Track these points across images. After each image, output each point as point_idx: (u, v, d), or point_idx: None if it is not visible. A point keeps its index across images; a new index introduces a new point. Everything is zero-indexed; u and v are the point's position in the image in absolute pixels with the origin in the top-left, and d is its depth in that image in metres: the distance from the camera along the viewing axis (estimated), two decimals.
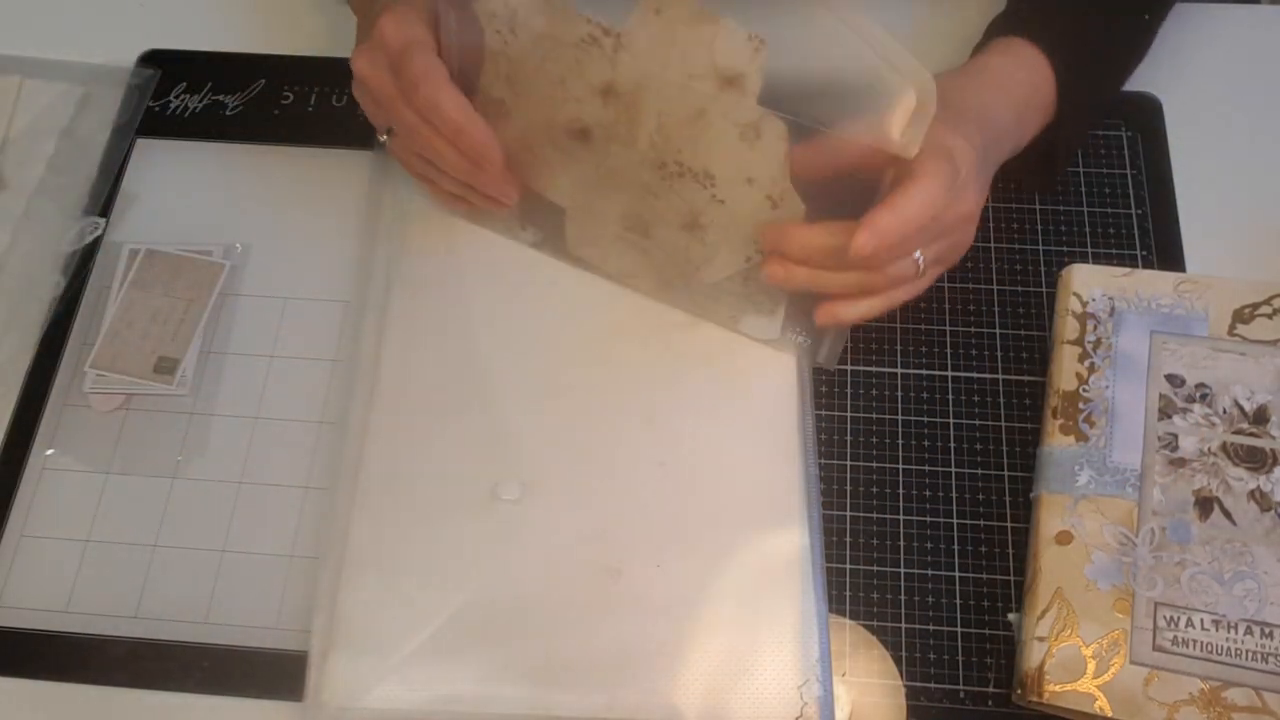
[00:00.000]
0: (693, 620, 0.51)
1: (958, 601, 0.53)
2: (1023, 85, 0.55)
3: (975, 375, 0.58)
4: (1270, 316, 0.54)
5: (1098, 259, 0.60)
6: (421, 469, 0.55)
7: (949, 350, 0.58)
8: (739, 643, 0.50)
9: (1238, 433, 0.52)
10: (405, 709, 0.49)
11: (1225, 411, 0.53)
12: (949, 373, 0.58)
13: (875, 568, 0.53)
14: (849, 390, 0.57)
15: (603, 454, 0.55)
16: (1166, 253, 0.60)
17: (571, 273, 0.59)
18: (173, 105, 0.67)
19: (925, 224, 0.47)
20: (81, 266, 0.62)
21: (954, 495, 0.55)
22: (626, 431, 0.55)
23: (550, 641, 0.50)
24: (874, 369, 0.58)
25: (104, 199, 0.64)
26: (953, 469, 0.56)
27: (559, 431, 0.55)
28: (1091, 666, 0.48)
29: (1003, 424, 0.56)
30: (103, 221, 0.62)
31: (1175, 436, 0.52)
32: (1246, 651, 0.48)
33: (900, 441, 0.56)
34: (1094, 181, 0.62)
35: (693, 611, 0.51)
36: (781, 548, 0.52)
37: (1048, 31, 0.56)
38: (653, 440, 0.55)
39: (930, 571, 0.53)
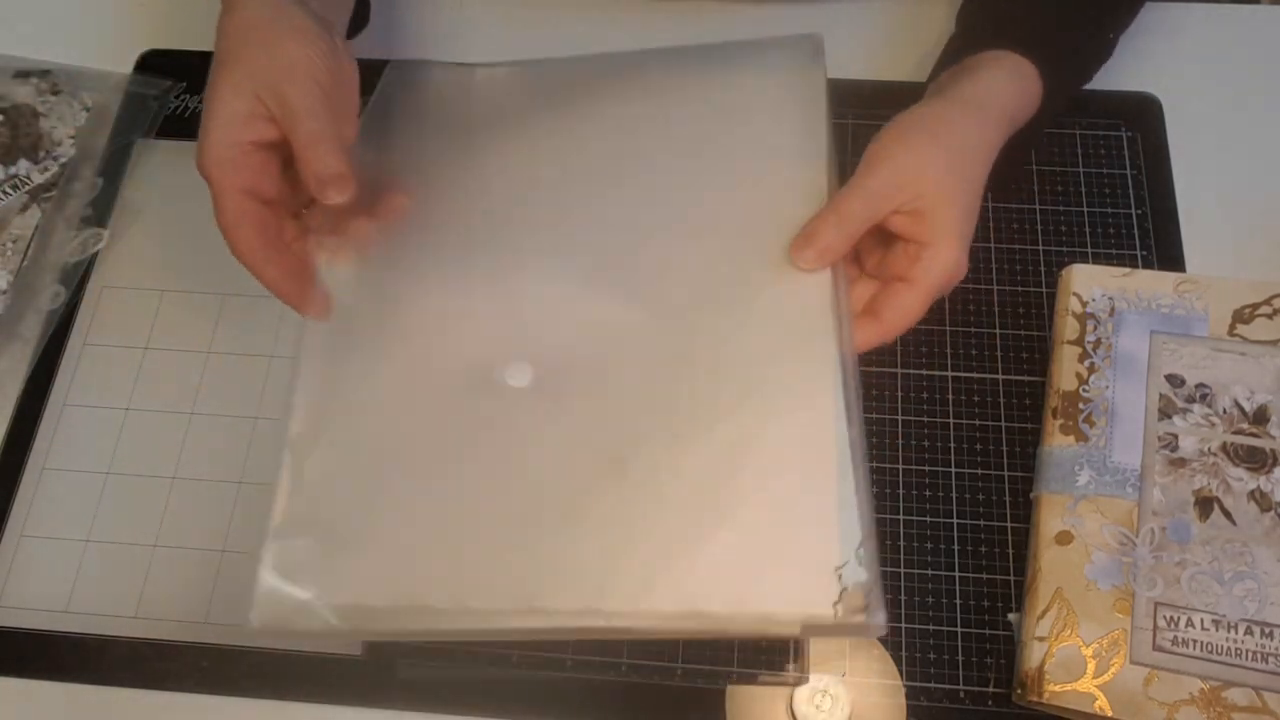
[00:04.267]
0: (714, 509, 0.46)
1: (958, 601, 0.53)
2: (1016, 105, 0.54)
3: (975, 375, 0.58)
4: (1270, 316, 0.54)
5: (1098, 259, 0.60)
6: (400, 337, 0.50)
7: (949, 350, 0.58)
8: (766, 530, 0.45)
9: (1238, 433, 0.52)
10: (371, 611, 0.44)
11: (1225, 411, 0.53)
12: (949, 373, 0.58)
13: None
14: None
15: (617, 335, 0.50)
16: (1166, 253, 0.60)
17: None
18: (173, 105, 0.67)
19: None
20: (83, 275, 0.62)
21: (954, 495, 0.55)
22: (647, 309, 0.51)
23: (549, 541, 0.45)
24: (874, 369, 0.58)
25: (106, 206, 0.63)
26: (953, 469, 0.56)
27: (572, 302, 0.51)
28: (1091, 666, 0.48)
29: (1003, 424, 0.56)
30: (106, 233, 0.62)
31: (1175, 436, 0.52)
32: (1246, 651, 0.48)
33: (900, 441, 0.56)
34: (1094, 181, 0.62)
35: (714, 500, 0.46)
36: (813, 433, 0.47)
37: (1041, 46, 0.55)
38: (673, 327, 0.50)
39: (930, 571, 0.53)
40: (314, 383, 0.49)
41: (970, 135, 0.52)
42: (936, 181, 0.49)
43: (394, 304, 0.51)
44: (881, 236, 0.51)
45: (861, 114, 0.64)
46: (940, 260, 0.49)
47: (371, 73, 0.66)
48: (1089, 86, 0.62)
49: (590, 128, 0.57)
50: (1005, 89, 0.54)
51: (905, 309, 0.49)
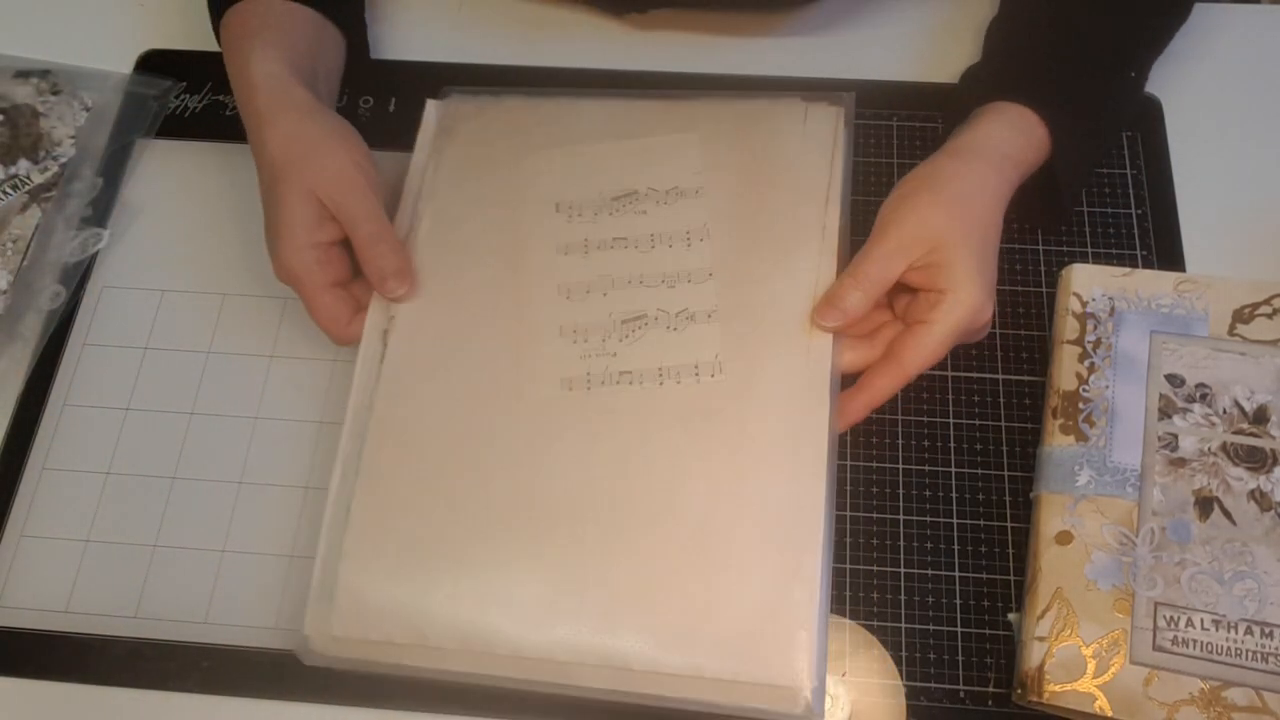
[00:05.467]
0: (701, 575, 0.49)
1: (958, 601, 0.53)
2: (1016, 150, 0.55)
3: (975, 375, 0.58)
4: (1270, 316, 0.54)
5: (1098, 259, 0.60)
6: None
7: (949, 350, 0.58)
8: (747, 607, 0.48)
9: (1238, 433, 0.52)
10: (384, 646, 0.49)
11: (1225, 411, 0.53)
12: (949, 373, 0.58)
13: (875, 568, 0.53)
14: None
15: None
16: (1166, 253, 0.60)
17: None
18: (172, 105, 0.67)
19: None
20: (83, 275, 0.62)
21: (954, 495, 0.55)
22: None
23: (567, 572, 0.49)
24: None
25: (106, 206, 0.63)
26: (953, 469, 0.56)
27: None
28: (1091, 666, 0.48)
29: (1003, 424, 0.56)
30: (106, 233, 0.62)
31: (1175, 436, 0.52)
32: (1246, 651, 0.48)
33: (900, 442, 0.56)
34: (1094, 181, 0.62)
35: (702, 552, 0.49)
36: (800, 514, 0.50)
37: (1043, 96, 0.56)
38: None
39: (930, 571, 0.53)
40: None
41: (969, 182, 0.53)
42: (944, 233, 0.51)
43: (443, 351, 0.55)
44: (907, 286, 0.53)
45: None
46: (961, 303, 0.50)
47: (372, 73, 0.66)
48: None
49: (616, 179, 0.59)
50: (1004, 135, 0.55)
51: (923, 348, 0.51)
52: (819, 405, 0.51)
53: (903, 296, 0.54)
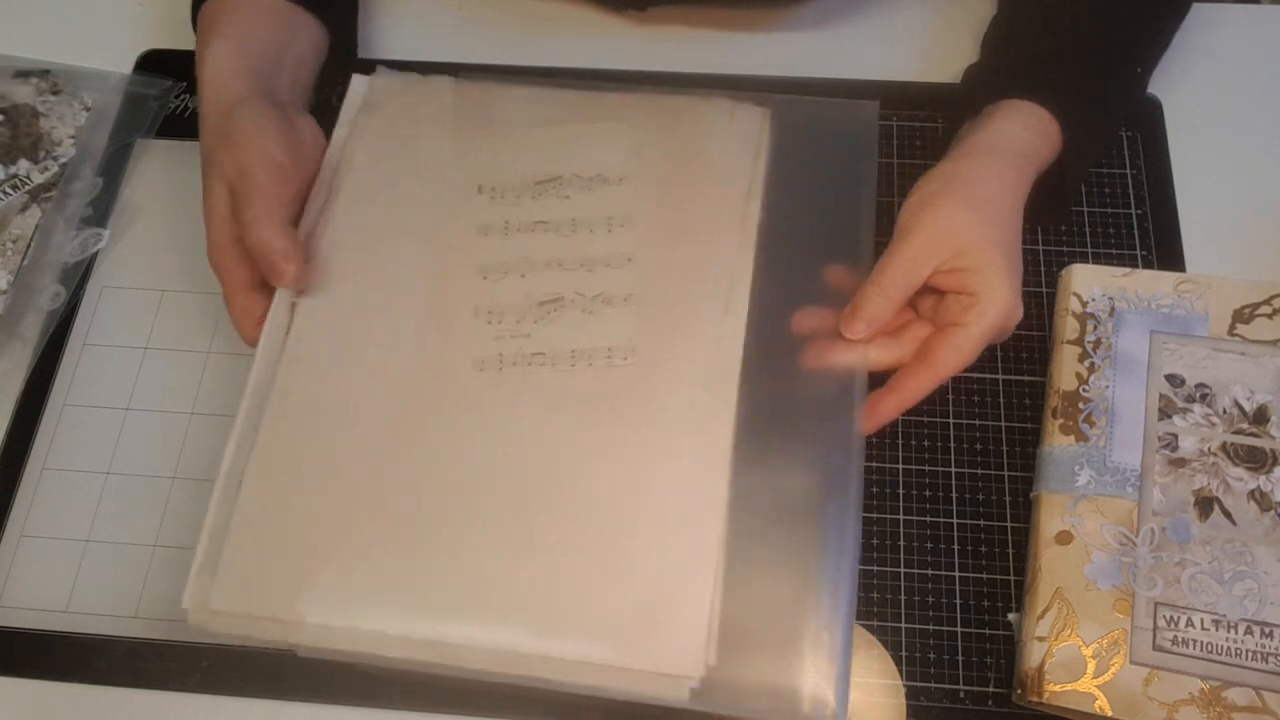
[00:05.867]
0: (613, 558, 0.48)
1: (958, 601, 0.53)
2: (1031, 146, 0.55)
3: (975, 375, 0.58)
4: (1270, 316, 0.54)
5: (1098, 259, 0.60)
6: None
7: None
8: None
9: (1238, 433, 0.52)
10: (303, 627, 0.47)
11: (1225, 411, 0.53)
12: None
13: (875, 568, 0.53)
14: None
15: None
16: (1166, 253, 0.60)
17: None
18: (172, 105, 0.67)
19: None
20: (83, 275, 0.62)
21: (954, 495, 0.55)
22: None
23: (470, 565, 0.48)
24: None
25: (106, 206, 0.63)
26: (953, 469, 0.56)
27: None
28: (1091, 666, 0.48)
29: (1003, 424, 0.56)
30: (105, 233, 0.62)
31: (1175, 436, 0.52)
32: (1246, 651, 0.48)
33: (900, 442, 0.56)
34: (1094, 181, 0.62)
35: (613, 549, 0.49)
36: (700, 494, 0.50)
37: (1055, 93, 0.56)
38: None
39: (930, 571, 0.53)
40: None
41: (992, 183, 0.53)
42: (972, 237, 0.51)
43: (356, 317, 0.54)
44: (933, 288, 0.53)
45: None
46: (995, 304, 0.50)
47: (369, 72, 0.66)
48: None
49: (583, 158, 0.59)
50: (1019, 134, 0.55)
51: (957, 349, 0.51)
52: (727, 391, 0.51)
53: (929, 298, 0.53)
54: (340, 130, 0.59)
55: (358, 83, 0.61)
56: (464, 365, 0.52)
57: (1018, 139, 0.55)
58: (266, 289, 0.53)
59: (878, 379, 0.52)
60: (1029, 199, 0.56)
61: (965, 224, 0.51)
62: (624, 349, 0.53)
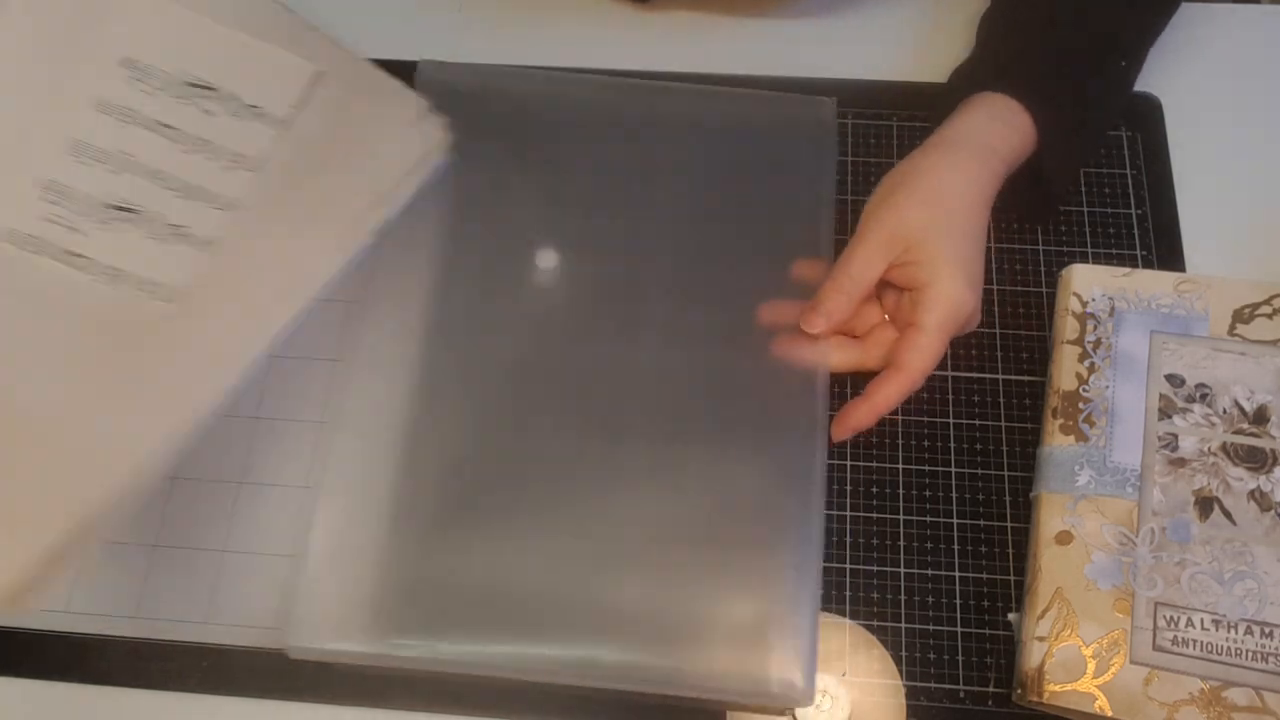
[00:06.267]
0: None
1: (958, 601, 0.53)
2: (1000, 139, 0.55)
3: (975, 375, 0.58)
4: (1270, 316, 0.54)
5: (1098, 259, 0.60)
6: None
7: (949, 350, 0.58)
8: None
9: (1238, 433, 0.52)
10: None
11: (1225, 411, 0.53)
12: (949, 373, 0.58)
13: (875, 568, 0.53)
14: (849, 390, 0.57)
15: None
16: (1166, 253, 0.60)
17: None
18: None
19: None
20: None
21: (954, 495, 0.55)
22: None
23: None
24: (874, 369, 0.58)
25: None
26: (953, 469, 0.56)
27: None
28: (1091, 666, 0.48)
29: (1003, 424, 0.56)
30: None
31: (1175, 436, 0.52)
32: (1246, 651, 0.48)
33: (900, 442, 0.56)
34: (1094, 181, 0.62)
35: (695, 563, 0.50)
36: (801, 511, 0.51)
37: (1026, 83, 0.56)
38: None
39: (930, 571, 0.53)
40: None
41: (948, 176, 0.53)
42: (923, 230, 0.52)
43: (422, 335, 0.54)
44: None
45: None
46: (942, 295, 0.51)
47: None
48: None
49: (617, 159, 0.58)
50: (985, 125, 0.55)
51: (919, 350, 0.51)
52: (226, 379, 0.46)
53: (890, 295, 0.54)
54: None
55: None
56: None
57: (983, 131, 0.55)
58: None
59: (859, 387, 0.53)
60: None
61: (917, 218, 0.52)
62: (168, 290, 0.48)
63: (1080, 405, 0.54)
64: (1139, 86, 0.65)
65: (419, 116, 0.53)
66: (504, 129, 0.59)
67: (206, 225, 0.49)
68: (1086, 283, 0.56)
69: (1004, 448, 0.56)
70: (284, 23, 0.53)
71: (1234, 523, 0.50)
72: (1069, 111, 0.57)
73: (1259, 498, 0.51)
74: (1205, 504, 0.51)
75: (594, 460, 0.52)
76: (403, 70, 0.66)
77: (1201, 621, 0.49)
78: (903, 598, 0.53)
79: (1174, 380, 0.54)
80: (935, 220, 0.52)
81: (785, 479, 0.51)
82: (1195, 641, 0.48)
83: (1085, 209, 0.62)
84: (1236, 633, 0.48)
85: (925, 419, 0.57)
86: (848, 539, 0.54)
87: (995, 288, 0.60)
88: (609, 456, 0.53)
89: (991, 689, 0.51)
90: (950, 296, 0.51)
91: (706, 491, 0.51)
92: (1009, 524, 0.54)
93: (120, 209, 0.48)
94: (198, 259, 0.48)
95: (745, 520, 0.51)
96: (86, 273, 0.47)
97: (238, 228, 0.49)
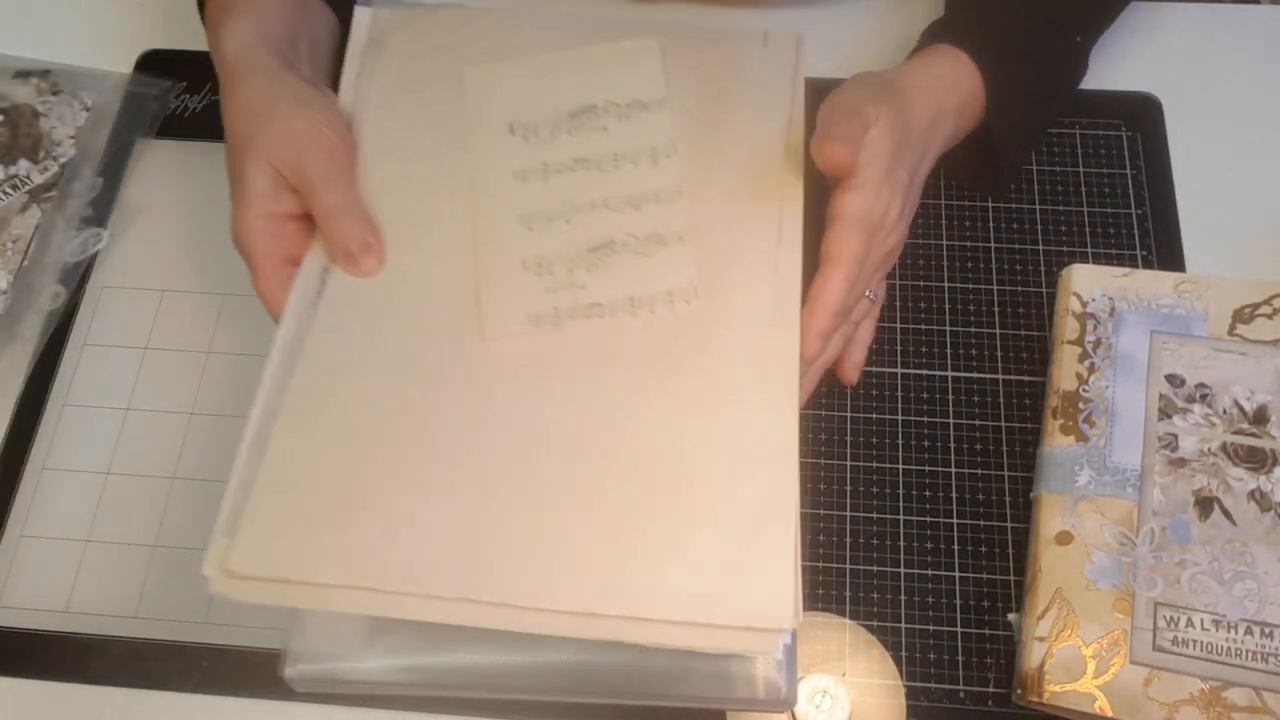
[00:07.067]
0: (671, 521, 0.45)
1: (958, 601, 0.53)
2: (942, 88, 0.55)
3: (975, 375, 0.58)
4: (1270, 316, 0.54)
5: (1098, 259, 0.60)
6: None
7: (949, 350, 0.58)
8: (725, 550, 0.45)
9: (1238, 433, 0.52)
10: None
11: (1225, 411, 0.53)
12: (949, 373, 0.58)
13: (875, 568, 0.53)
14: (849, 390, 0.57)
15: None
16: (1166, 253, 0.60)
17: None
18: (172, 105, 0.67)
19: (855, 283, 0.50)
20: (83, 275, 0.62)
21: (954, 495, 0.55)
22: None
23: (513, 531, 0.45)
24: (874, 369, 0.58)
25: (106, 206, 0.63)
26: (953, 469, 0.56)
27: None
28: (1091, 666, 0.48)
29: (1003, 424, 0.56)
30: (106, 233, 0.62)
31: (1175, 436, 0.52)
32: (1246, 651, 0.48)
33: (900, 441, 0.56)
34: (1094, 181, 0.62)
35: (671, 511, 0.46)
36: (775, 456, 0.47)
37: (977, 39, 0.56)
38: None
39: (930, 571, 0.53)
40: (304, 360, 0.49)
41: (908, 84, 0.54)
42: (876, 111, 0.51)
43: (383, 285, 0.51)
44: None
45: None
46: (850, 194, 0.49)
47: None
48: (1089, 87, 0.62)
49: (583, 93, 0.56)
50: (929, 72, 0.55)
51: (835, 236, 0.49)
52: (789, 328, 0.48)
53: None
54: (348, 74, 0.56)
55: (360, 15, 0.57)
56: (519, 322, 0.49)
57: (923, 77, 0.55)
58: (296, 264, 0.51)
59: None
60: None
61: (874, 99, 0.51)
62: (685, 291, 0.49)
63: (1080, 405, 0.54)
64: (1139, 86, 0.65)
65: (765, 37, 0.57)
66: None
67: (672, 220, 0.51)
68: (1086, 283, 0.56)
69: (1004, 448, 0.56)
70: (604, 20, 0.57)
71: (1234, 523, 0.50)
72: (1017, 69, 0.57)
73: (1259, 498, 0.51)
74: (1205, 504, 0.51)
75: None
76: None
77: (1201, 622, 0.49)
78: (903, 598, 0.53)
79: (1174, 380, 0.54)
80: (892, 113, 0.51)
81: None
82: (1195, 642, 0.48)
83: (1085, 209, 0.62)
84: (1236, 633, 0.48)
85: (925, 419, 0.57)
86: (848, 539, 0.54)
87: (995, 288, 0.60)
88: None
89: (991, 689, 0.51)
90: (858, 197, 0.49)
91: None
92: (1009, 524, 0.54)
93: (597, 249, 0.51)
94: (685, 250, 0.50)
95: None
96: (612, 316, 0.49)
97: (696, 206, 0.51)
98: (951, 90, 0.55)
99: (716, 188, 0.52)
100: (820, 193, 0.52)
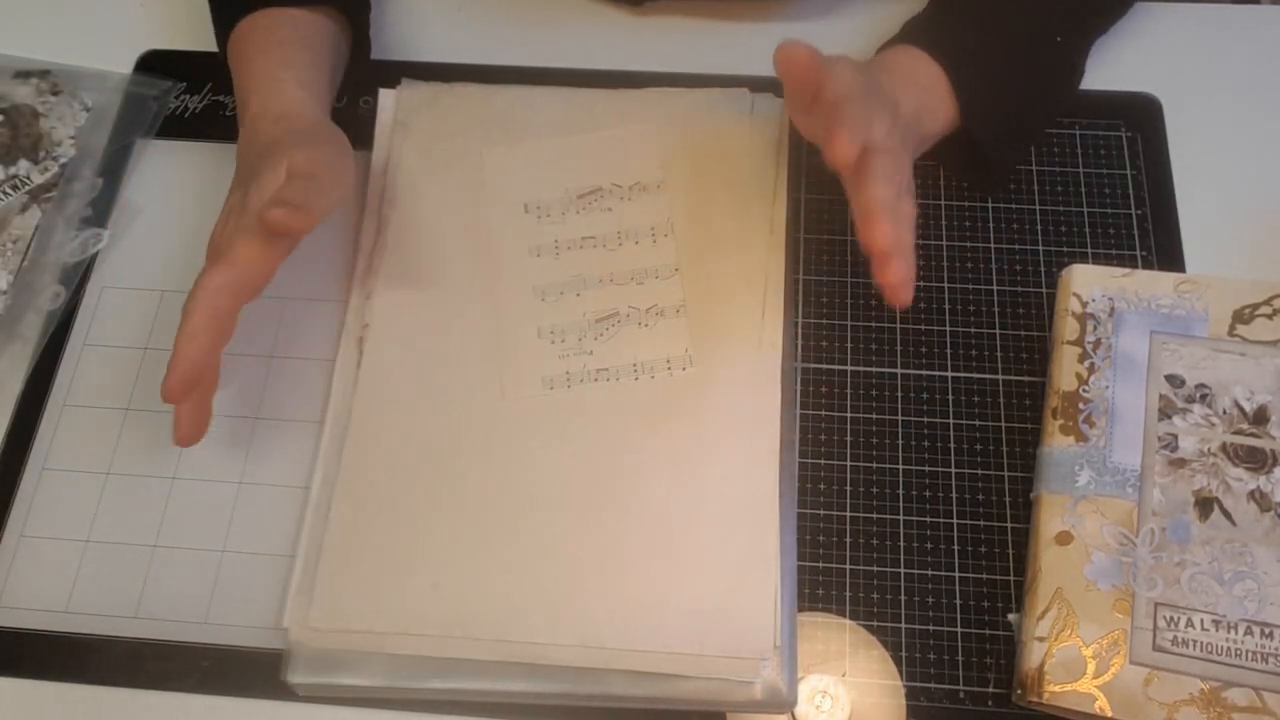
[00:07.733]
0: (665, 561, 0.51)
1: (958, 601, 0.53)
2: (921, 84, 0.56)
3: (975, 375, 0.58)
4: (1270, 316, 0.54)
5: (1098, 259, 0.60)
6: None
7: (949, 350, 0.58)
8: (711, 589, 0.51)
9: (1237, 433, 0.52)
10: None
11: (1225, 412, 0.53)
12: (949, 373, 0.58)
13: (875, 568, 0.53)
14: (849, 390, 0.57)
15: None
16: (1166, 253, 0.60)
17: None
18: (172, 106, 0.67)
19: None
20: (83, 275, 0.62)
21: (954, 495, 0.55)
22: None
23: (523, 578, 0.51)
24: (874, 369, 0.58)
25: (106, 206, 0.63)
26: (953, 469, 0.56)
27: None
28: (1091, 667, 0.48)
29: (1003, 424, 0.56)
30: (106, 233, 0.62)
31: (1175, 437, 0.52)
32: (1246, 651, 0.48)
33: (900, 441, 0.56)
34: (1094, 181, 0.62)
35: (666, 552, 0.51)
36: (757, 500, 0.53)
37: (943, 45, 0.56)
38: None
39: (930, 571, 0.53)
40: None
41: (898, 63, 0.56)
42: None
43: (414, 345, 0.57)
44: None
45: None
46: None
47: (372, 73, 0.66)
48: (1088, 87, 0.62)
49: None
50: (905, 62, 0.56)
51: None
52: (771, 394, 0.54)
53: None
54: (378, 154, 0.61)
55: (385, 98, 0.63)
56: (535, 385, 0.56)
57: (911, 73, 0.56)
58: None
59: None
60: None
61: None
62: (681, 359, 0.56)
63: (1080, 405, 0.54)
64: (1139, 86, 0.65)
65: (752, 103, 0.62)
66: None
67: (670, 295, 0.57)
68: (1086, 283, 0.56)
69: (1004, 448, 0.56)
70: (606, 99, 0.63)
71: (1234, 523, 0.50)
72: (984, 69, 0.57)
73: (1259, 498, 0.51)
74: (1205, 504, 0.51)
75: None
76: (405, 70, 0.66)
77: (1201, 622, 0.49)
78: (903, 598, 0.53)
79: (1174, 380, 0.54)
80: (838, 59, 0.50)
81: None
82: (1195, 642, 0.48)
83: (1085, 209, 0.62)
84: (1236, 633, 0.48)
85: (925, 419, 0.57)
86: (848, 539, 0.54)
87: (995, 288, 0.60)
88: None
89: (991, 689, 0.51)
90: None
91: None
92: (1009, 524, 0.54)
93: (603, 319, 0.57)
94: (681, 322, 0.57)
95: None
96: (617, 379, 0.56)
97: (691, 282, 0.58)
98: (908, 84, 0.55)
99: (708, 266, 0.58)
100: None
